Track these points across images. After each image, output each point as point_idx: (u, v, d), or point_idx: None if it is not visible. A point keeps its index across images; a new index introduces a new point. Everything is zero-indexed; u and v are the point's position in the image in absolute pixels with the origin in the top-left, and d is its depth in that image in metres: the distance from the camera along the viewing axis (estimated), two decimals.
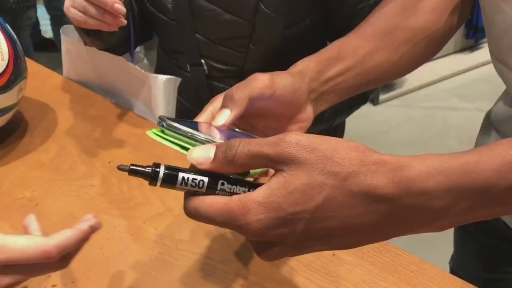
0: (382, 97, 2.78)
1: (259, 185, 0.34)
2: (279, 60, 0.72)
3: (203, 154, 0.35)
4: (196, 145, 0.36)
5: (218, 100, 0.46)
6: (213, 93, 0.85)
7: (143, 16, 0.88)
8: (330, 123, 0.90)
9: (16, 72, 0.73)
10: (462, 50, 3.17)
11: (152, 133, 0.38)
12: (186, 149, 0.36)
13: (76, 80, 0.96)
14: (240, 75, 0.83)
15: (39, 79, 0.94)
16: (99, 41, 0.78)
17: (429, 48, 0.61)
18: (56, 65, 1.10)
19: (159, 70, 0.96)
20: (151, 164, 0.35)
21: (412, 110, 2.79)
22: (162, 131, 0.38)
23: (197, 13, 0.81)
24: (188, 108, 0.91)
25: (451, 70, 3.03)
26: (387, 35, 0.58)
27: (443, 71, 3.02)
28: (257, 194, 0.33)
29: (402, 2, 0.62)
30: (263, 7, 0.77)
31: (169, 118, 0.38)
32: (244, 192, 0.35)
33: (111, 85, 0.91)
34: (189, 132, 0.37)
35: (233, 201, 0.33)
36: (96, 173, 0.72)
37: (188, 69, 0.87)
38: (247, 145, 0.34)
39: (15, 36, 0.76)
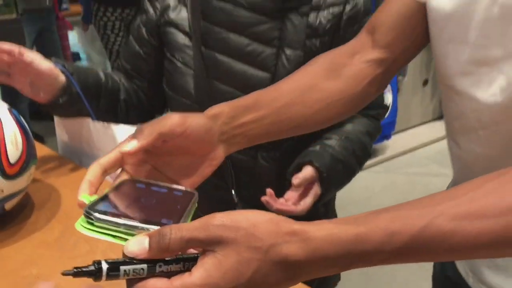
0: (365, 163, 2.90)
1: (193, 258, 0.40)
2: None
3: (138, 247, 0.39)
4: (128, 233, 0.41)
5: (125, 141, 0.53)
6: (233, 162, 0.94)
7: (151, 98, 0.99)
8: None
9: (28, 160, 0.82)
10: (440, 117, 3.34)
11: (80, 226, 0.41)
12: (117, 238, 0.41)
13: (70, 152, 1.05)
14: (257, 145, 0.91)
15: (44, 161, 1.02)
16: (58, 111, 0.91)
17: (344, 109, 0.69)
18: (51, 133, 1.19)
19: None
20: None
21: (394, 176, 2.90)
22: (91, 223, 0.41)
23: (219, 94, 0.92)
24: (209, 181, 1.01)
25: (430, 137, 3.19)
26: (305, 93, 0.65)
27: (423, 138, 3.16)
28: (196, 278, 0.39)
29: (327, 64, 0.70)
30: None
31: (94, 208, 0.42)
32: (180, 269, 0.40)
33: (93, 150, 1.00)
34: (119, 224, 0.41)
35: (175, 286, 0.39)
36: (97, 251, 0.80)
37: None
38: (178, 232, 0.39)
39: (27, 127, 0.85)
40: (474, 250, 0.41)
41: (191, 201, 0.50)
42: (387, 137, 2.97)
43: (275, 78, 0.90)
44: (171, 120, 0.53)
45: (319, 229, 0.41)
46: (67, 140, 1.05)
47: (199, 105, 0.93)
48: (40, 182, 0.97)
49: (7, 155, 0.78)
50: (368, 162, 3.14)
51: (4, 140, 0.78)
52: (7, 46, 0.82)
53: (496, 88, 0.60)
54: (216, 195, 0.98)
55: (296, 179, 0.87)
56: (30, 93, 0.87)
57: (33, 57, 0.83)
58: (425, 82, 3.13)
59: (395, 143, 3.08)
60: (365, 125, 1.00)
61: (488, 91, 0.61)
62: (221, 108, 0.58)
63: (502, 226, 0.41)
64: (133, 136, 0.52)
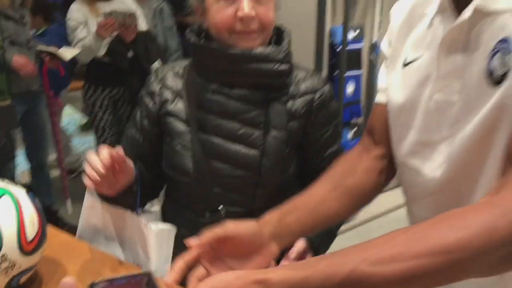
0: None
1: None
2: (278, 200, 0.97)
3: None
4: None
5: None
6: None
7: (153, 181, 1.13)
8: None
9: (42, 238, 0.92)
10: None
11: None
12: None
13: (88, 232, 1.15)
14: (252, 215, 1.01)
15: (50, 237, 1.12)
16: (110, 201, 1.03)
17: (363, 199, 0.90)
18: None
19: (170, 220, 1.14)
20: None
21: (366, 239, 3.03)
22: None
23: (215, 171, 1.07)
24: None
25: (396, 203, 3.35)
26: (331, 191, 0.85)
27: (390, 204, 3.33)
28: None
29: (343, 166, 0.91)
30: (266, 162, 1.06)
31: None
32: None
33: (118, 236, 1.11)
34: None
35: None
36: None
37: (207, 216, 1.09)
38: None
39: (41, 207, 0.96)
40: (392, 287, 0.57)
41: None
42: None
43: (263, 155, 1.06)
44: (226, 226, 0.73)
45: (277, 275, 0.57)
46: (89, 222, 1.15)
47: (199, 182, 1.07)
48: (48, 257, 1.06)
49: (25, 233, 0.88)
50: (342, 229, 3.27)
51: (24, 221, 0.89)
52: (111, 153, 0.95)
53: (436, 164, 0.77)
54: None
55: (293, 253, 1.05)
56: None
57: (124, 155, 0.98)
58: None
59: (365, 209, 3.23)
60: None
61: (430, 166, 0.77)
62: (270, 215, 0.80)
63: (409, 269, 0.56)
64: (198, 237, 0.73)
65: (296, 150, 1.12)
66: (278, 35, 1.12)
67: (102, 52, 2.77)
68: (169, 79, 1.13)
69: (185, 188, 1.10)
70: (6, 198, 0.89)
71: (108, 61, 2.79)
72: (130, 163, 1.02)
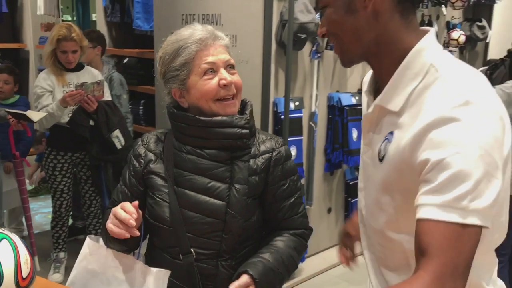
0: (284, 286, 3.19)
1: None
2: (242, 244, 1.25)
3: None
4: None
5: None
6: (200, 271, 1.28)
7: (140, 226, 1.32)
8: None
9: (33, 276, 1.08)
10: None
11: None
12: None
13: (81, 279, 1.30)
14: (219, 257, 1.29)
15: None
16: (120, 245, 1.24)
17: None
18: None
19: (151, 262, 1.33)
20: None
21: None
22: None
23: (188, 219, 1.27)
24: (179, 285, 1.30)
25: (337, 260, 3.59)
26: None
27: (332, 260, 3.56)
28: None
29: None
30: (230, 211, 1.26)
31: None
32: None
33: (116, 279, 1.28)
34: None
35: None
36: None
37: (181, 258, 1.28)
38: None
39: (31, 251, 1.12)
40: None
41: None
42: (302, 260, 3.33)
43: (228, 205, 1.27)
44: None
45: None
46: (86, 268, 1.32)
47: (174, 229, 1.27)
48: None
49: (21, 271, 1.04)
50: (286, 285, 3.44)
51: (20, 261, 1.05)
52: (135, 207, 1.20)
53: (362, 204, 1.06)
54: None
55: (232, 285, 1.21)
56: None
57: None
58: (329, 210, 3.63)
59: (308, 266, 3.44)
60: (293, 242, 1.36)
61: (360, 205, 1.08)
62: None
63: None
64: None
65: (259, 201, 1.33)
66: (242, 106, 1.36)
67: (66, 119, 2.93)
68: (152, 144, 1.36)
69: (163, 234, 1.30)
70: (5, 242, 1.05)
71: (70, 127, 2.95)
72: (140, 212, 1.23)
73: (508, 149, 0.90)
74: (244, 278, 1.22)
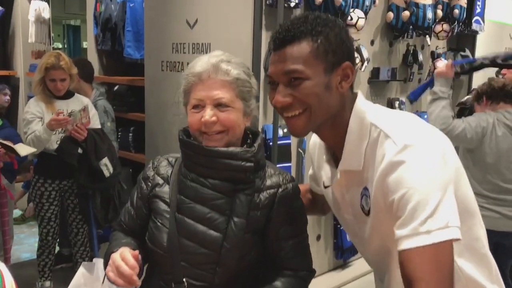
0: None
1: None
2: (237, 280, 1.22)
3: None
4: None
5: None
6: None
7: (143, 250, 1.32)
8: None
9: None
10: (335, 268, 3.78)
11: None
12: None
13: None
14: None
15: None
16: None
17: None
18: None
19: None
20: None
21: None
22: None
23: (184, 247, 1.25)
24: None
25: (329, 285, 3.57)
26: None
27: (323, 287, 3.55)
28: None
29: None
30: (226, 244, 1.24)
31: None
32: None
33: None
34: None
35: None
36: None
37: (173, 286, 1.25)
38: None
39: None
40: None
41: None
42: None
43: (225, 238, 1.25)
44: None
45: None
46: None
47: (170, 256, 1.26)
48: None
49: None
50: None
51: (5, 285, 1.04)
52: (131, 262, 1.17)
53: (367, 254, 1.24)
54: None
55: None
56: None
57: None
58: (318, 237, 3.62)
59: None
60: (293, 284, 1.31)
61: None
62: None
63: None
64: None
65: (260, 237, 1.30)
66: (253, 138, 1.35)
67: (54, 146, 2.93)
68: (161, 168, 1.36)
69: (158, 260, 1.29)
70: None
71: (57, 155, 2.95)
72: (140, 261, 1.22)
73: (454, 168, 1.06)
74: None
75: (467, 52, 4.50)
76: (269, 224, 1.30)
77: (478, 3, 4.32)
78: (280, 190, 1.30)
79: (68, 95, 3.05)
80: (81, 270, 1.31)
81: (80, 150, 2.95)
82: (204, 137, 1.28)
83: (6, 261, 3.10)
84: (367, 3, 3.33)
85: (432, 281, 0.92)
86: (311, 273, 1.38)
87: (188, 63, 3.72)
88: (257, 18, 3.00)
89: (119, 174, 3.04)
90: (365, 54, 3.44)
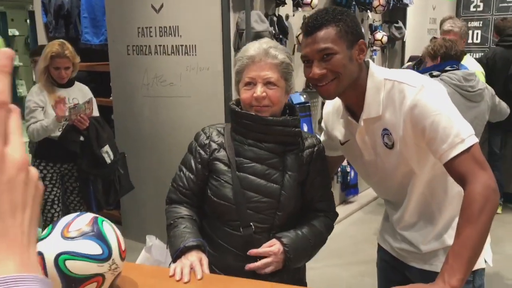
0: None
1: None
2: (292, 220, 1.54)
3: None
4: None
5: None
6: (254, 242, 1.53)
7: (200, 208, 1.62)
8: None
9: (125, 249, 1.31)
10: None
11: None
12: None
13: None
14: (271, 230, 1.56)
15: None
16: None
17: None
18: None
19: (211, 232, 1.61)
20: None
21: None
22: None
23: (249, 198, 1.53)
24: (238, 254, 1.56)
25: None
26: None
27: None
28: None
29: None
30: (284, 193, 1.55)
31: None
32: None
33: None
34: None
35: None
36: None
37: (241, 230, 1.54)
38: None
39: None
40: None
41: None
42: None
43: (282, 188, 1.55)
44: None
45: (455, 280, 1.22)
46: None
47: (237, 206, 1.54)
48: None
49: (121, 244, 1.27)
50: None
51: (119, 237, 1.27)
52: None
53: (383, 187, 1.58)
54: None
55: (263, 247, 1.53)
56: None
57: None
58: None
59: None
60: (325, 222, 1.67)
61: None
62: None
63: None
64: None
65: (301, 186, 1.61)
66: (290, 109, 1.64)
67: (57, 133, 3.01)
68: (214, 136, 1.62)
69: (225, 210, 1.56)
70: (106, 223, 1.27)
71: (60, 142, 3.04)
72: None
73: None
74: (277, 245, 1.52)
75: (400, 24, 5.00)
76: (308, 176, 1.62)
77: None
78: (315, 149, 1.64)
79: (69, 83, 3.13)
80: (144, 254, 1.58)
81: (81, 138, 3.06)
82: (254, 109, 1.53)
83: None
84: None
85: (477, 170, 1.28)
86: (336, 214, 1.74)
87: (156, 46, 3.86)
88: (224, 0, 3.23)
89: (119, 160, 3.21)
90: None
